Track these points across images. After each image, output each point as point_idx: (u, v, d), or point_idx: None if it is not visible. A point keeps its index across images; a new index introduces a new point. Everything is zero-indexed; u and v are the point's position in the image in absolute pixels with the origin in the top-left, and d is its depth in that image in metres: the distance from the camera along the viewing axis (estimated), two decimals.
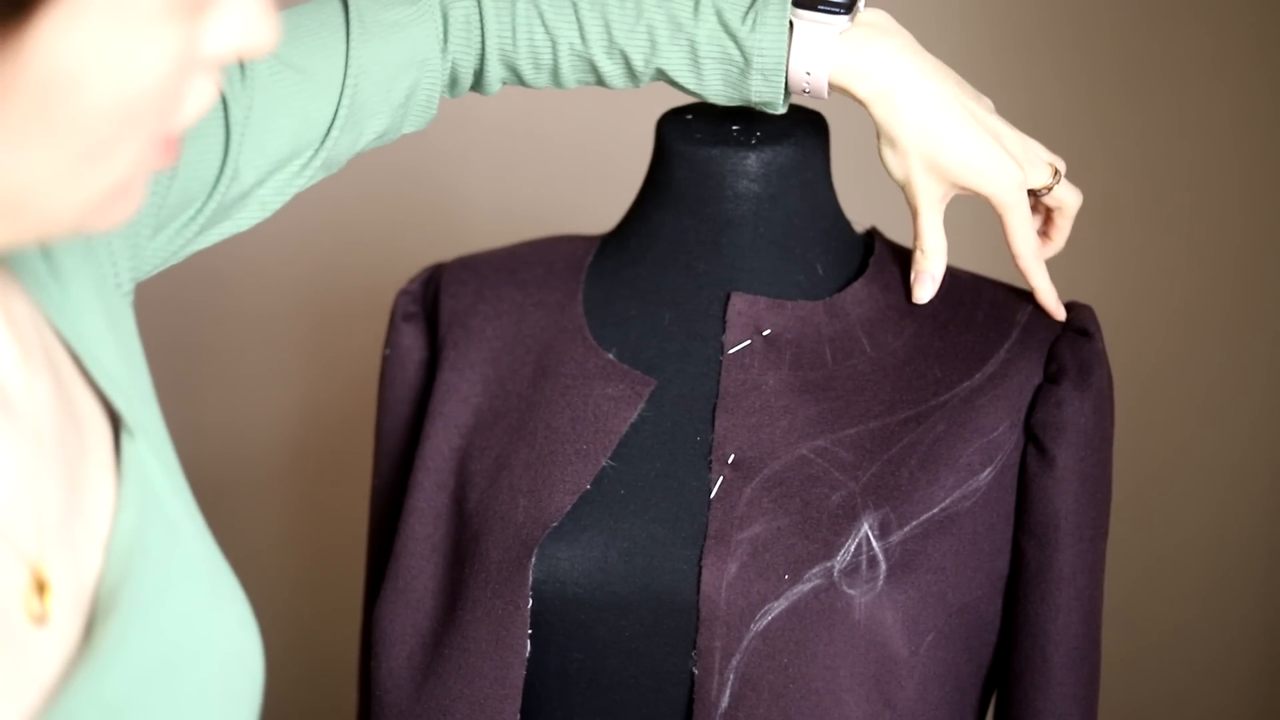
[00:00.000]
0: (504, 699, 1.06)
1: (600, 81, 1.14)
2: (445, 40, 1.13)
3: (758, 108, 1.10)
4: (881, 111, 1.08)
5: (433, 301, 1.24)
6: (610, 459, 1.07)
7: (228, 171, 1.04)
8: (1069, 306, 1.14)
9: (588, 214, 1.60)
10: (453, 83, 1.15)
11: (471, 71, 1.14)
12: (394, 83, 1.10)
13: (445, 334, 1.21)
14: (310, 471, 2.10)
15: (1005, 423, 1.08)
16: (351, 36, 1.08)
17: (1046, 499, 1.09)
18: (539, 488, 1.09)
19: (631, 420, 1.11)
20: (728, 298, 1.13)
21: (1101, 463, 1.11)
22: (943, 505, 1.06)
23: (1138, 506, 1.83)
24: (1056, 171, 1.15)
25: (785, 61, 1.06)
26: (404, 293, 1.26)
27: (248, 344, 2.09)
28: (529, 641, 1.06)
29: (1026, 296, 1.15)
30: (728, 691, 1.03)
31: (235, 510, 2.09)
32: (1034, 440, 1.09)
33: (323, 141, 1.09)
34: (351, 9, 1.09)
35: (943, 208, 1.12)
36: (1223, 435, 1.91)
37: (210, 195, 1.03)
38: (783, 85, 1.08)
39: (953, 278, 1.17)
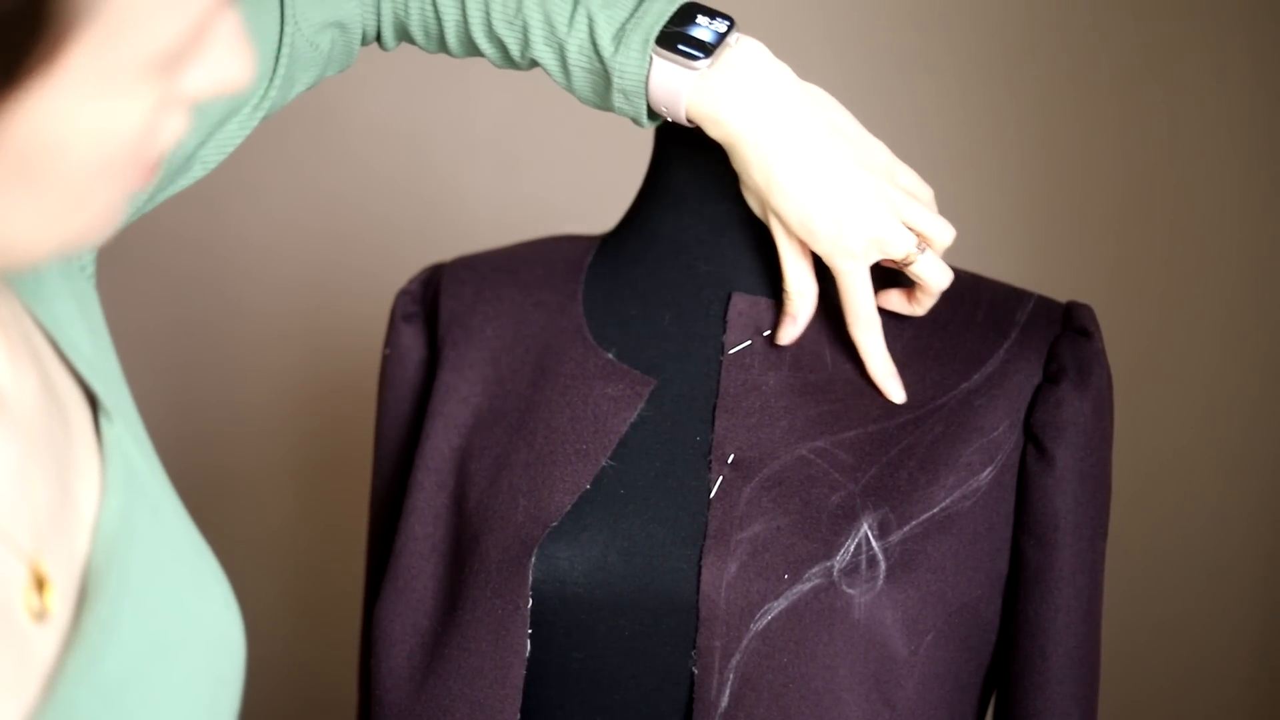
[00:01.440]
0: (504, 699, 1.06)
1: (486, 58, 1.17)
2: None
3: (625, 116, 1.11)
4: (731, 156, 1.08)
5: (432, 301, 1.24)
6: (610, 459, 1.07)
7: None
8: (1069, 306, 1.14)
9: (588, 214, 1.60)
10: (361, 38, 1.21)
11: (373, 29, 1.18)
12: (319, 37, 1.13)
13: (445, 334, 1.21)
14: (310, 471, 2.10)
15: (1005, 422, 1.09)
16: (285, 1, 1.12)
17: (1046, 499, 1.09)
18: (539, 487, 1.09)
19: (631, 420, 1.11)
20: (728, 298, 1.13)
21: (1101, 462, 1.11)
22: (942, 505, 1.06)
23: (1137, 506, 1.83)
24: (922, 244, 1.08)
25: (644, 86, 1.07)
26: (404, 293, 1.26)
27: (247, 344, 2.09)
28: (529, 641, 1.06)
29: (1026, 296, 1.15)
30: (727, 691, 1.03)
31: (235, 509, 2.09)
32: (1034, 440, 1.09)
33: (262, 97, 1.11)
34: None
35: (803, 250, 1.10)
36: (1222, 435, 1.92)
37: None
38: (644, 106, 1.08)
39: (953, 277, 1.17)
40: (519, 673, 1.06)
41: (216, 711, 0.87)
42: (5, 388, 0.79)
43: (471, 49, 1.15)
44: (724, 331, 1.12)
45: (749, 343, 1.12)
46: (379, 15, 1.16)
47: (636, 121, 1.10)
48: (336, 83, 2.05)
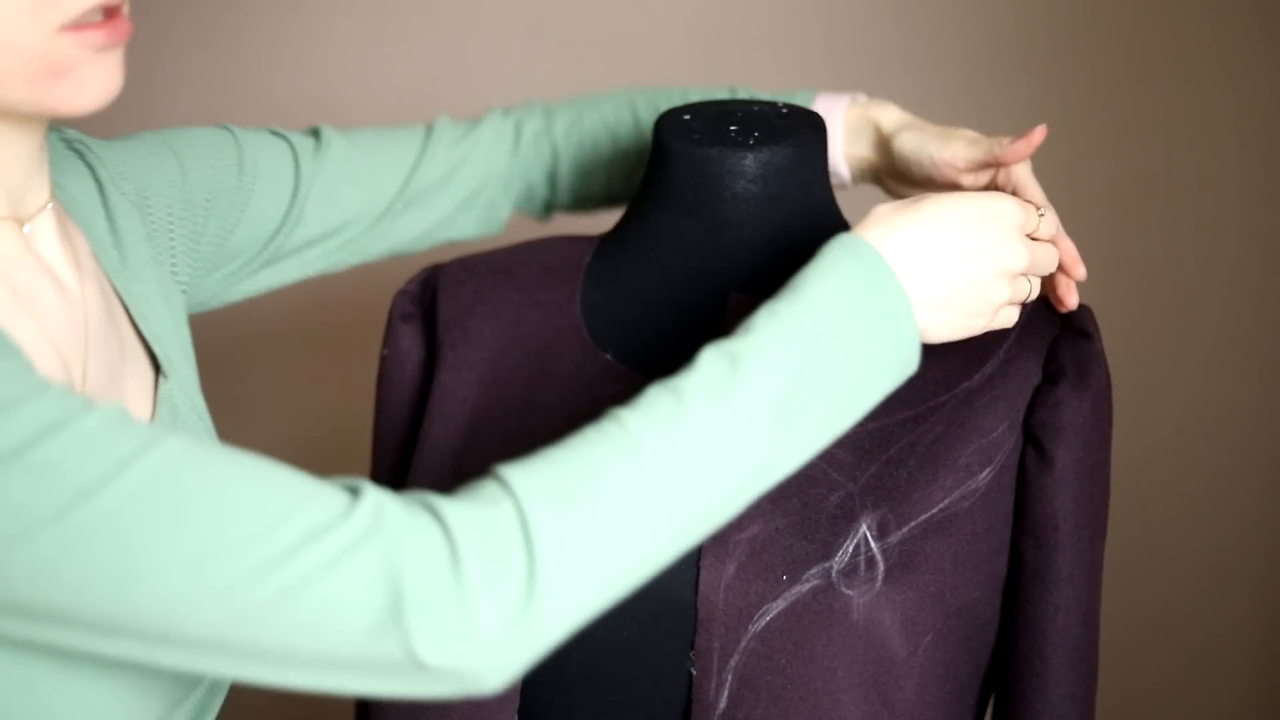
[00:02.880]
0: (502, 699, 1.06)
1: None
2: (516, 149, 1.31)
3: None
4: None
5: (431, 302, 1.24)
6: None
7: (292, 216, 1.22)
8: None
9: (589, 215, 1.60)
10: (528, 195, 1.35)
11: (544, 178, 1.32)
12: (456, 175, 1.28)
13: (443, 335, 1.21)
14: (309, 470, 2.10)
15: (1004, 423, 1.08)
16: (426, 140, 1.28)
17: (1045, 499, 1.09)
18: None
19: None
20: (726, 298, 1.13)
21: (1100, 463, 1.10)
22: (941, 506, 1.06)
23: (1136, 507, 1.83)
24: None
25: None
26: (402, 293, 1.26)
27: (246, 343, 2.09)
28: None
29: None
30: (726, 692, 1.03)
31: None
32: (1033, 441, 1.09)
33: (382, 215, 1.26)
34: (434, 130, 1.30)
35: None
36: (1221, 436, 1.91)
37: (274, 236, 1.22)
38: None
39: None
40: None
41: None
42: (69, 283, 0.99)
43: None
44: (723, 332, 1.12)
45: None
46: (554, 161, 1.33)
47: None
48: (337, 82, 2.06)
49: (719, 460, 0.88)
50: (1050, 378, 1.09)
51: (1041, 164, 1.92)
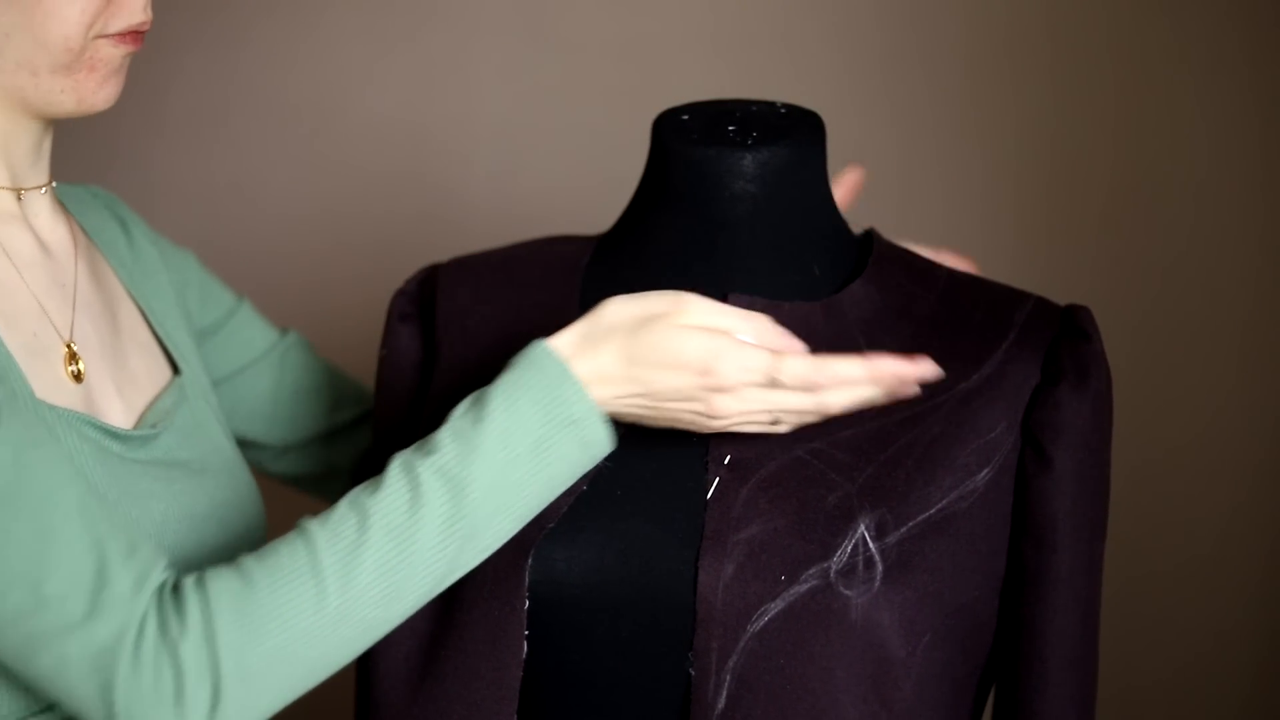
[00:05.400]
0: (501, 699, 1.06)
1: None
2: None
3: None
4: None
5: (429, 302, 1.24)
6: (606, 459, 1.07)
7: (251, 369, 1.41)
8: (1068, 308, 1.13)
9: (587, 214, 1.60)
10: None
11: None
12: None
13: (442, 335, 1.21)
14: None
15: (1003, 423, 1.08)
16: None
17: (1044, 500, 1.08)
18: None
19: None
20: (724, 298, 1.12)
21: (1100, 464, 1.10)
22: (939, 506, 1.06)
23: (1135, 507, 1.83)
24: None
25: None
26: (400, 293, 1.26)
27: None
28: (525, 643, 1.06)
29: (1025, 297, 1.15)
30: (724, 693, 1.03)
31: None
32: (1032, 441, 1.08)
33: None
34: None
35: None
36: (1221, 436, 1.91)
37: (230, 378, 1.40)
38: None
39: (951, 278, 1.16)
40: (516, 674, 1.06)
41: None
42: (53, 248, 1.14)
43: None
44: None
45: None
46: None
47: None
48: (336, 82, 2.06)
49: (399, 577, 0.99)
50: (1050, 378, 1.09)
51: (1042, 164, 1.92)
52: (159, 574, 0.97)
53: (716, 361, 1.00)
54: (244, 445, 1.40)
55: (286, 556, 0.98)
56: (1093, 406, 1.09)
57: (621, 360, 1.02)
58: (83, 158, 2.08)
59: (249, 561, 0.98)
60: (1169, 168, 1.88)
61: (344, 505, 1.00)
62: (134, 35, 1.10)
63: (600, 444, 1.03)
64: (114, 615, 0.94)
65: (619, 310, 1.03)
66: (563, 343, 1.03)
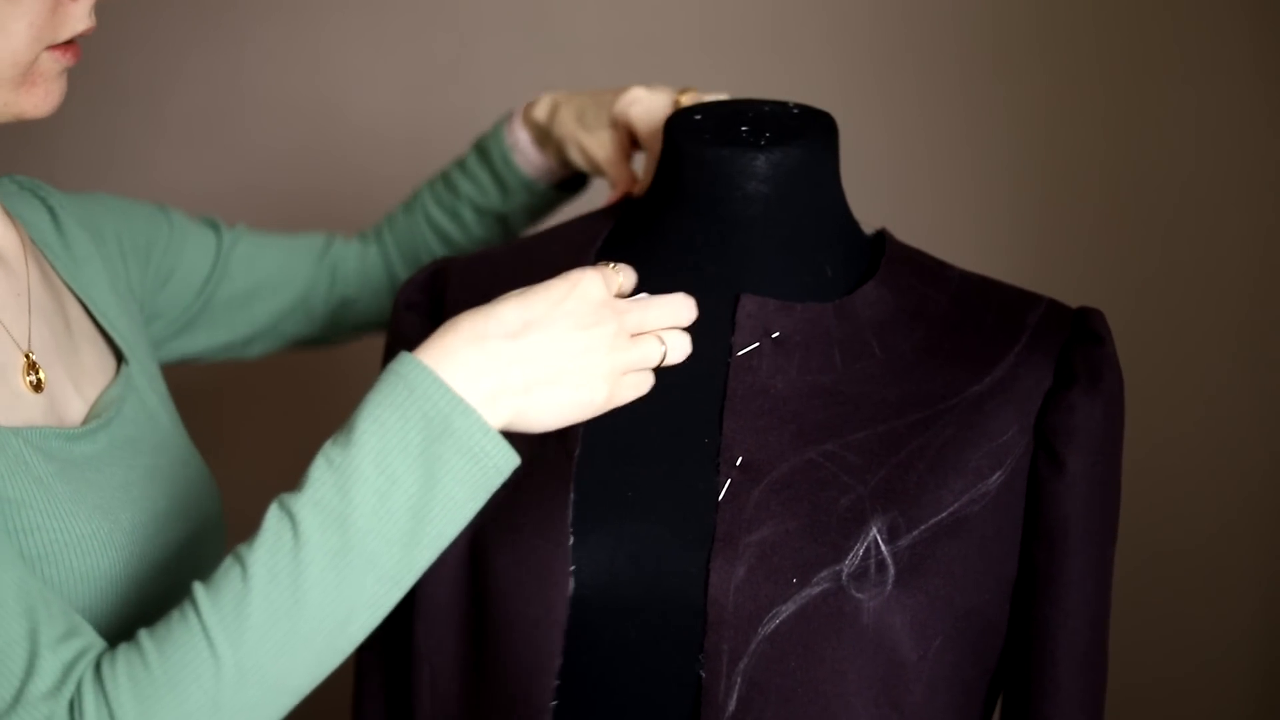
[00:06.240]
0: (539, 694, 1.06)
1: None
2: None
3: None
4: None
5: (439, 293, 1.23)
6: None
7: (217, 272, 1.42)
8: (1080, 311, 1.13)
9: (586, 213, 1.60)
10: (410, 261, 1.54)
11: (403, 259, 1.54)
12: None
13: None
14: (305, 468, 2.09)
15: (1015, 426, 1.08)
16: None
17: (1056, 504, 1.08)
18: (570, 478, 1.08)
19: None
20: (737, 299, 1.12)
21: (1112, 468, 1.10)
22: (951, 509, 1.06)
23: (1146, 511, 1.83)
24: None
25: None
26: (409, 283, 1.25)
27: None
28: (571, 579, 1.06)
29: (1037, 300, 1.14)
30: (735, 695, 1.03)
31: (235, 505, 2.08)
32: (1044, 445, 1.08)
33: (304, 295, 1.49)
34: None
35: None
36: (1233, 439, 1.91)
37: (204, 287, 1.42)
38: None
39: (963, 279, 1.16)
40: (551, 678, 1.05)
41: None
42: (9, 254, 1.13)
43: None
44: (732, 333, 1.11)
45: (757, 345, 1.11)
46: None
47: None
48: (336, 82, 2.05)
49: (294, 623, 0.93)
50: (1062, 381, 1.09)
51: (1042, 164, 1.92)
52: (81, 665, 0.93)
53: (574, 285, 1.00)
54: (223, 350, 1.46)
55: (177, 624, 0.93)
56: (1105, 410, 1.08)
57: (487, 348, 0.98)
58: (83, 158, 2.08)
59: (142, 636, 0.94)
60: (1163, 167, 1.89)
61: (227, 560, 0.95)
62: (74, 49, 1.09)
63: (492, 454, 0.97)
64: (36, 710, 0.91)
65: (468, 313, 1.00)
66: (424, 351, 0.98)
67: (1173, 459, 1.93)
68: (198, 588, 0.94)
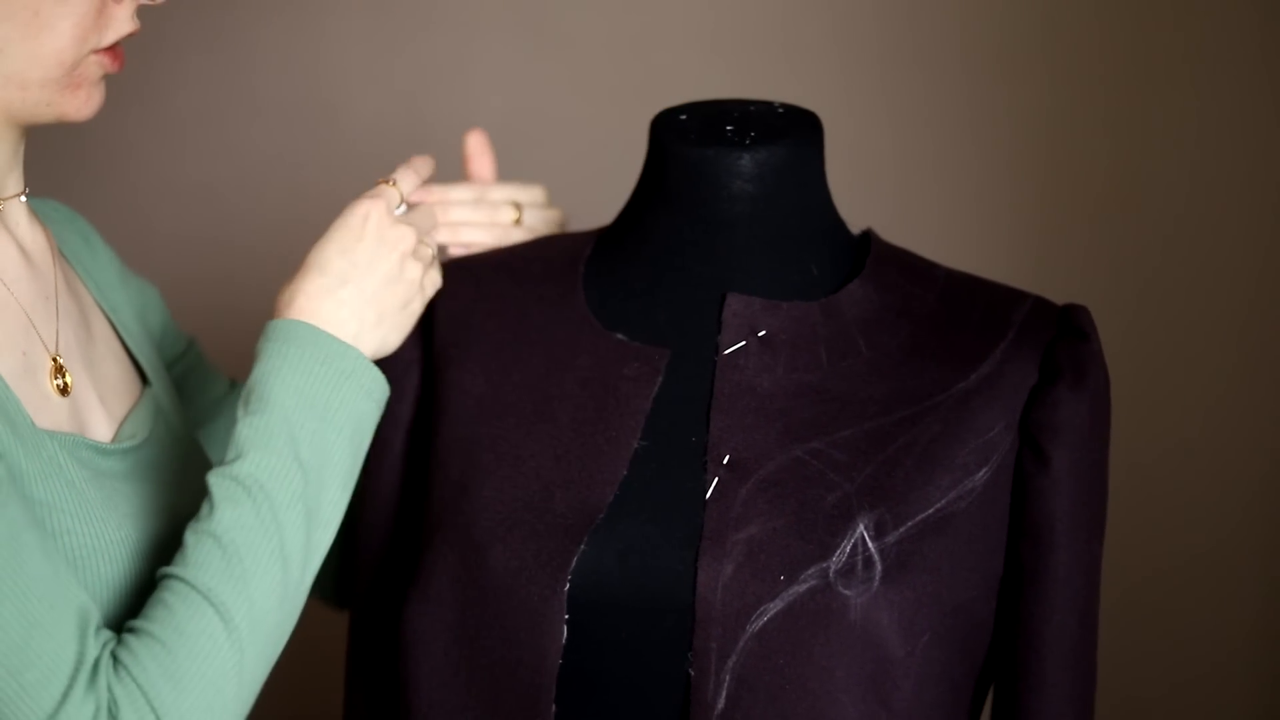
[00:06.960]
0: (542, 687, 1.06)
1: None
2: None
3: None
4: None
5: (429, 304, 1.23)
6: (642, 438, 1.07)
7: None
8: (1065, 308, 1.13)
9: (586, 213, 1.60)
10: None
11: None
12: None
13: (447, 334, 1.20)
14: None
15: (1001, 423, 1.08)
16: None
17: (1042, 500, 1.08)
18: (574, 480, 1.09)
19: (653, 395, 1.10)
20: (723, 298, 1.12)
21: (1098, 463, 1.10)
22: (938, 506, 1.06)
23: (1135, 507, 1.83)
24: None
25: None
26: None
27: (244, 341, 2.09)
28: (566, 627, 1.06)
29: (1023, 297, 1.15)
30: (724, 693, 1.03)
31: None
32: (1030, 441, 1.08)
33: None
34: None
35: None
36: (1220, 435, 1.91)
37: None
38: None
39: (949, 278, 1.16)
40: (555, 659, 1.05)
41: None
42: (34, 256, 1.14)
43: None
44: (719, 332, 1.12)
45: (743, 343, 1.11)
46: None
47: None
48: (336, 81, 2.06)
49: (283, 569, 1.02)
50: (1047, 378, 1.09)
51: (1038, 163, 1.92)
52: (106, 656, 0.97)
53: (358, 207, 1.13)
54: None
55: (174, 602, 0.99)
56: (1090, 406, 1.09)
57: (341, 297, 1.11)
58: (84, 158, 2.08)
59: (144, 624, 0.98)
60: (1164, 166, 1.88)
61: (188, 541, 1.01)
62: (119, 56, 1.10)
63: (378, 385, 1.10)
64: (86, 705, 0.95)
65: (302, 274, 1.13)
66: (294, 313, 1.10)
67: (1174, 463, 1.92)
68: (176, 570, 0.99)
